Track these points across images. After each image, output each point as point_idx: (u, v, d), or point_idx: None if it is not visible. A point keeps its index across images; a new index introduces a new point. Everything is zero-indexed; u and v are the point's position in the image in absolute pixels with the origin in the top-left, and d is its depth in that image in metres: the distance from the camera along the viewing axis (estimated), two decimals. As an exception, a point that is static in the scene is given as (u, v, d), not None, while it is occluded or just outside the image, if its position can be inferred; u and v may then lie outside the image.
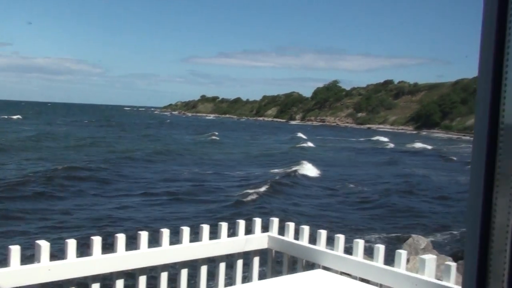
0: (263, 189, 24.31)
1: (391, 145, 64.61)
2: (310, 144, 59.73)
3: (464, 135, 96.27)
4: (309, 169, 33.15)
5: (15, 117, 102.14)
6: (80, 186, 23.71)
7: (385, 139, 75.32)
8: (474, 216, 1.06)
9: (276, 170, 32.63)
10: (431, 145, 65.15)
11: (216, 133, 73.50)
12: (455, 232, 17.60)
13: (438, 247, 13.45)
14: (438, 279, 3.62)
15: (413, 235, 11.26)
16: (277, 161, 39.94)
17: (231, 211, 19.06)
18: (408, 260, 7.39)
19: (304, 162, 35.95)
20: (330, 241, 4.31)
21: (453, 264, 3.55)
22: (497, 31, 1.07)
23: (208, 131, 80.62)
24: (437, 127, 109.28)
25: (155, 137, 63.14)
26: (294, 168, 33.11)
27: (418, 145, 65.22)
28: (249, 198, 22.44)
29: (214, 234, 4.35)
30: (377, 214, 20.69)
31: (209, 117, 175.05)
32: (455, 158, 47.41)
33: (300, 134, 77.70)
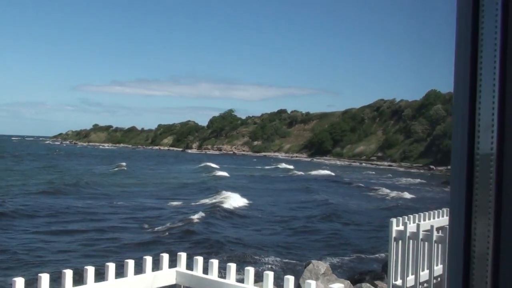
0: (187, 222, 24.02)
1: (299, 173, 66.47)
2: (223, 173, 59.66)
3: (353, 162, 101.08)
4: (235, 199, 32.96)
5: None
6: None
7: (290, 166, 77.84)
8: (456, 246, 1.10)
9: (203, 201, 32.31)
10: (332, 172, 68.18)
11: (124, 164, 71.04)
12: (346, 258, 18.24)
13: (334, 271, 13.85)
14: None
15: (313, 261, 11.50)
16: (200, 190, 39.54)
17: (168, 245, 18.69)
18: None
19: (228, 192, 35.72)
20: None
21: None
22: (471, 67, 1.10)
23: (113, 161, 78.19)
24: (329, 154, 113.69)
25: (60, 169, 59.90)
26: (220, 198, 32.94)
27: (322, 172, 67.93)
28: (189, 228, 22.21)
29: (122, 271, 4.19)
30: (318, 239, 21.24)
31: (105, 147, 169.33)
32: (361, 185, 49.53)
33: (208, 163, 77.11)
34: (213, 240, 20.13)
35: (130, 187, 41.56)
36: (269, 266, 16.00)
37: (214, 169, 67.04)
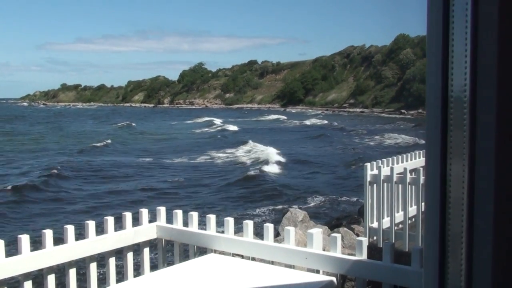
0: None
1: (296, 122, 67.57)
2: (232, 127, 59.79)
3: (326, 110, 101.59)
4: (270, 150, 33.16)
5: None
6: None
7: (283, 117, 78.91)
8: (432, 187, 1.12)
9: (241, 153, 33.50)
10: (325, 120, 69.41)
11: (129, 122, 70.80)
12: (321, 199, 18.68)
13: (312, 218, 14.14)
14: (326, 250, 3.81)
15: (291, 209, 11.68)
16: (227, 144, 40.31)
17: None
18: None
19: (258, 145, 36.32)
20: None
21: (338, 236, 3.75)
22: (444, 10, 1.09)
23: (111, 120, 78.13)
24: (302, 103, 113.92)
25: (72, 130, 59.26)
26: (256, 150, 33.73)
27: (317, 121, 69.29)
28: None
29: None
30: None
31: (83, 106, 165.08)
32: (364, 131, 50.59)
33: (209, 118, 77.15)
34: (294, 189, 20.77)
35: (158, 144, 42.21)
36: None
37: (220, 123, 67.25)
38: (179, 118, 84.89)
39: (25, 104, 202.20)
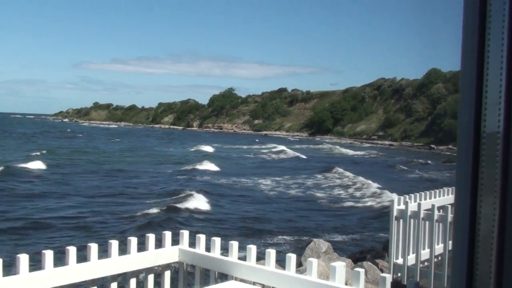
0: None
1: (355, 153, 67.48)
2: (298, 154, 60.39)
3: (355, 141, 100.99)
4: (365, 181, 33.67)
5: None
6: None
7: (337, 146, 79.31)
8: (461, 225, 1.09)
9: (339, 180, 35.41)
10: (375, 151, 70.64)
11: (197, 145, 71.63)
12: (352, 236, 18.35)
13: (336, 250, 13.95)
14: (348, 285, 3.75)
15: (314, 239, 11.48)
16: (315, 169, 42.41)
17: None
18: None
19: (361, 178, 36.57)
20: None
21: (362, 270, 3.68)
22: (478, 46, 1.09)
23: (174, 142, 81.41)
24: (330, 133, 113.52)
25: (148, 150, 61.57)
26: (350, 179, 35.02)
27: (369, 151, 70.51)
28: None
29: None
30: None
31: (122, 125, 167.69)
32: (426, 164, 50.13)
33: (274, 144, 77.82)
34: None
35: (259, 169, 43.33)
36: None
37: (285, 149, 67.64)
38: (239, 142, 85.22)
39: (67, 120, 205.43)
